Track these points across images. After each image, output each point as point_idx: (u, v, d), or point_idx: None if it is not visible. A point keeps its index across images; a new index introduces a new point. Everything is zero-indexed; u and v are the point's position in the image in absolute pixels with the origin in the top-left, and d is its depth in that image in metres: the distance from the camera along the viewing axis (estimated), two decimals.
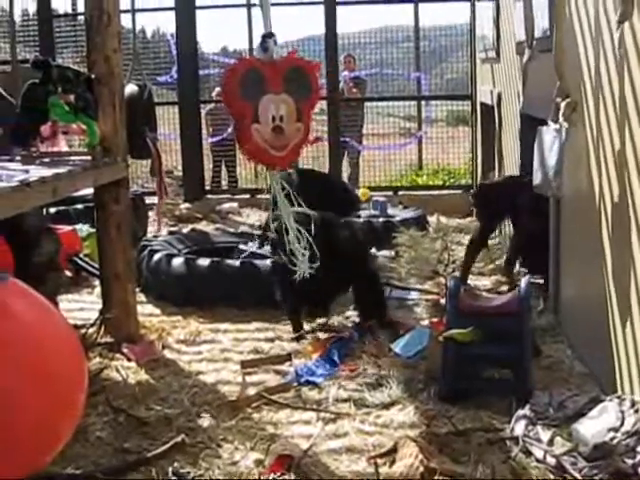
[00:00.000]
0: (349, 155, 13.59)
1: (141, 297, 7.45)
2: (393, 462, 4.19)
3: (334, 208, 6.90)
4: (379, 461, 4.24)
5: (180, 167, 13.40)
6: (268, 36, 6.25)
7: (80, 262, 8.14)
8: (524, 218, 7.11)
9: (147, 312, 7.17)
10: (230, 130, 13.03)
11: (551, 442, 4.22)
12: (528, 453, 4.24)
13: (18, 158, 6.07)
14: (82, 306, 7.42)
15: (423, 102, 13.67)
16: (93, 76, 6.10)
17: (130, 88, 7.77)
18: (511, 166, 8.61)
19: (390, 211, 10.43)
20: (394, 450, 4.28)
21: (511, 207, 7.26)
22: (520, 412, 4.56)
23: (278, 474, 4.17)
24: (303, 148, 6.79)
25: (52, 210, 9.14)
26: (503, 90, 9.09)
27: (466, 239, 9.53)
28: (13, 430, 2.69)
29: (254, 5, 12.45)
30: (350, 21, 14.38)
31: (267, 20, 6.42)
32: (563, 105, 5.66)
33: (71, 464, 4.30)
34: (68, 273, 7.97)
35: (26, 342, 2.71)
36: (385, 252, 8.88)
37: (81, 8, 10.71)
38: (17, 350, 2.67)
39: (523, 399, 4.71)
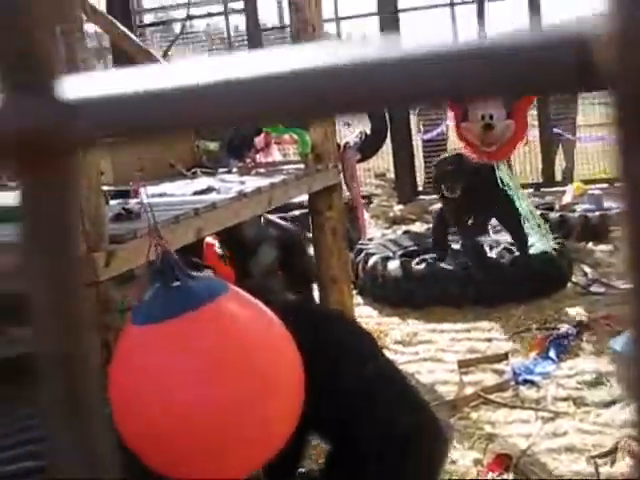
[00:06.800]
0: (563, 147, 13.26)
1: (358, 299, 7.59)
2: (614, 462, 4.13)
3: None
4: (599, 461, 4.19)
5: (392, 169, 13.47)
6: None
7: None
8: None
9: (364, 314, 7.30)
10: (440, 129, 13.06)
11: None
12: None
13: (235, 170, 6.34)
14: None
15: None
16: None
17: None
18: None
19: (606, 204, 10.13)
20: (615, 450, 4.22)
21: None
22: None
23: (497, 473, 4.20)
24: (518, 146, 6.82)
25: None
26: None
27: None
28: (242, 434, 2.82)
29: (457, 4, 12.34)
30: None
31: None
32: None
33: None
34: None
35: (248, 348, 2.84)
36: (603, 247, 8.69)
37: (287, 20, 11.03)
38: (240, 355, 2.81)
39: None
